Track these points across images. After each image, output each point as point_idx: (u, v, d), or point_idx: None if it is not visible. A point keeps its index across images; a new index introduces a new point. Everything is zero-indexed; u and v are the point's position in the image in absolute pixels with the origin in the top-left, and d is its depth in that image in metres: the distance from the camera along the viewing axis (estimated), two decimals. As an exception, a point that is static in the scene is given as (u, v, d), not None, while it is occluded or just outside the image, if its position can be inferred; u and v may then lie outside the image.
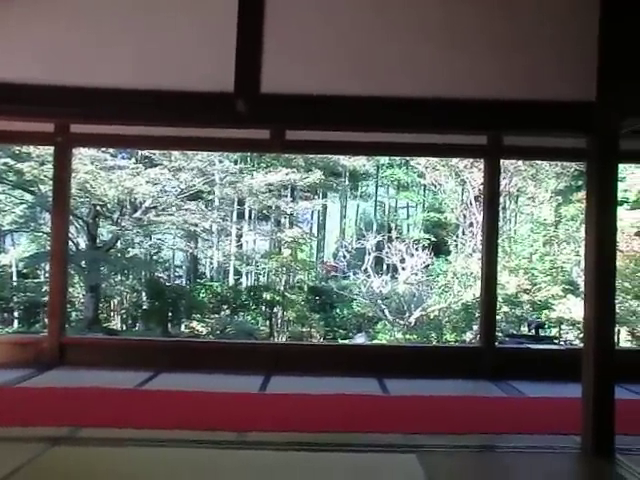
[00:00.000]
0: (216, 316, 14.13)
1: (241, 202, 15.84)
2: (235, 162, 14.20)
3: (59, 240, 5.60)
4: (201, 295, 14.87)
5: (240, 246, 16.59)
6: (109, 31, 3.33)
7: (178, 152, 12.33)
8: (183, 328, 14.38)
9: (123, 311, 15.39)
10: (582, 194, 11.85)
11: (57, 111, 3.31)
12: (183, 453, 3.24)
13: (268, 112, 3.49)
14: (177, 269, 17.88)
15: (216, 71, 3.39)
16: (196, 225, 13.66)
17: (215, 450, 3.29)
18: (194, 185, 13.24)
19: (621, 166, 13.10)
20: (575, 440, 3.49)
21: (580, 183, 13.90)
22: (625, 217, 13.15)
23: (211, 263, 17.85)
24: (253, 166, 14.65)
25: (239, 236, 16.38)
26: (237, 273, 16.69)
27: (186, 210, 13.20)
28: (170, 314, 14.25)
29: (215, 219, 14.36)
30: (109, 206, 12.84)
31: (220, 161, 13.59)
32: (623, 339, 11.02)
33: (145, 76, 3.33)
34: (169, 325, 14.26)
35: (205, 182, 13.56)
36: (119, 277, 14.45)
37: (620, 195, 13.68)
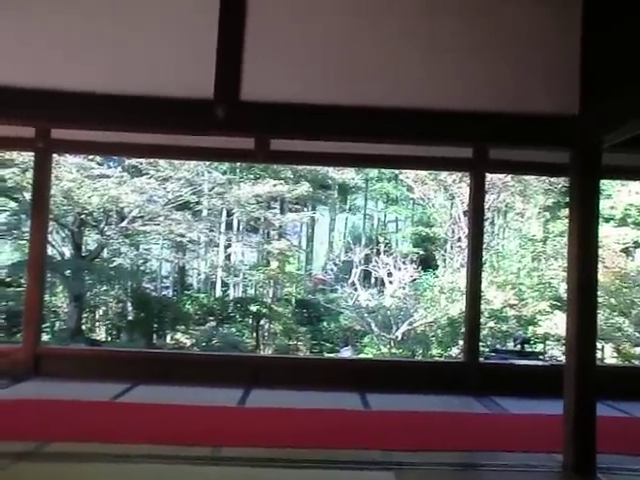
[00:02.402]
0: (201, 328, 13.97)
1: (229, 213, 15.75)
2: (223, 173, 14.14)
3: (37, 247, 5.48)
4: (187, 306, 14.70)
5: (228, 257, 16.47)
6: (84, 32, 3.25)
7: (165, 161, 12.26)
8: (169, 340, 14.20)
9: (108, 322, 15.17)
10: (569, 210, 11.85)
11: (26, 114, 3.22)
12: (154, 469, 3.12)
13: (248, 120, 3.43)
14: (164, 280, 17.69)
15: (195, 77, 3.32)
16: (183, 236, 13.56)
17: (188, 466, 3.18)
18: (181, 195, 13.16)
19: (608, 183, 13.18)
20: (556, 458, 3.42)
21: (568, 199, 13.96)
22: (611, 234, 13.22)
23: (198, 274, 17.69)
24: (241, 177, 14.59)
25: (227, 247, 16.27)
26: (224, 285, 16.54)
27: (173, 220, 13.10)
28: (156, 325, 14.06)
29: (202, 230, 14.26)
30: (94, 215, 12.71)
31: (208, 172, 13.53)
32: (608, 355, 11.00)
33: (121, 81, 3.26)
34: (154, 336, 14.05)
35: (193, 192, 13.48)
36: (104, 287, 14.24)
37: (606, 212, 13.80)
